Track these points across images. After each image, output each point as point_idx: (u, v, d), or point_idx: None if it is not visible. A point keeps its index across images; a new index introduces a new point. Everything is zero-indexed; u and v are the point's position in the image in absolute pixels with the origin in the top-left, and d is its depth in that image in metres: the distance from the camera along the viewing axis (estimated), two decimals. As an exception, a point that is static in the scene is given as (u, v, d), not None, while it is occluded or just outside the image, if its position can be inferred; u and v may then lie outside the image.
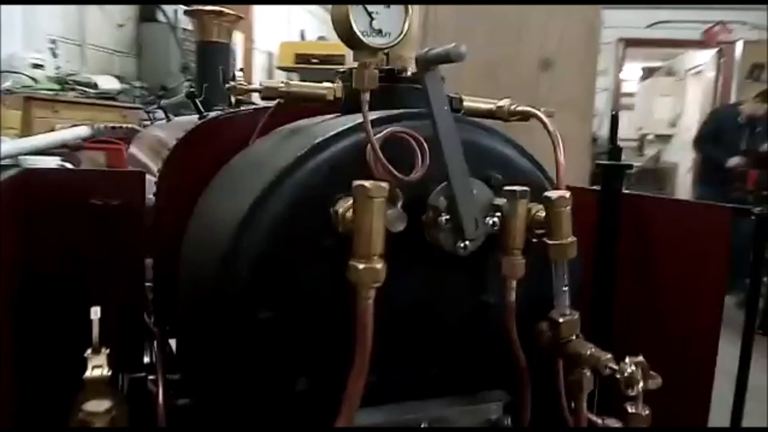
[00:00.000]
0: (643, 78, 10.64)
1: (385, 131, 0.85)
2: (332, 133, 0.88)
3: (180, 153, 1.22)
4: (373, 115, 0.88)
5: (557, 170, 0.99)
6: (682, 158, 8.07)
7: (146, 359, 1.31)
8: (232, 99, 1.04)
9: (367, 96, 0.85)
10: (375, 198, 0.78)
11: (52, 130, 3.47)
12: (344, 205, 0.83)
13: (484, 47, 2.16)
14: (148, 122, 3.19)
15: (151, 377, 1.28)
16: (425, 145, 0.87)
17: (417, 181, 0.86)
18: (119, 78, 6.76)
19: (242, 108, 1.27)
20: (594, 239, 1.31)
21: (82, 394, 0.95)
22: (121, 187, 1.15)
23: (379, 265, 0.79)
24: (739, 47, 7.77)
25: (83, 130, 2.93)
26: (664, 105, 9.54)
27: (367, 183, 0.78)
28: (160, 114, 2.59)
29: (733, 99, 7.59)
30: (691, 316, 1.16)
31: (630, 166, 1.23)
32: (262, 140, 1.12)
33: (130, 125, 3.32)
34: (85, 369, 0.97)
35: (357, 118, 0.90)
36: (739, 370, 1.13)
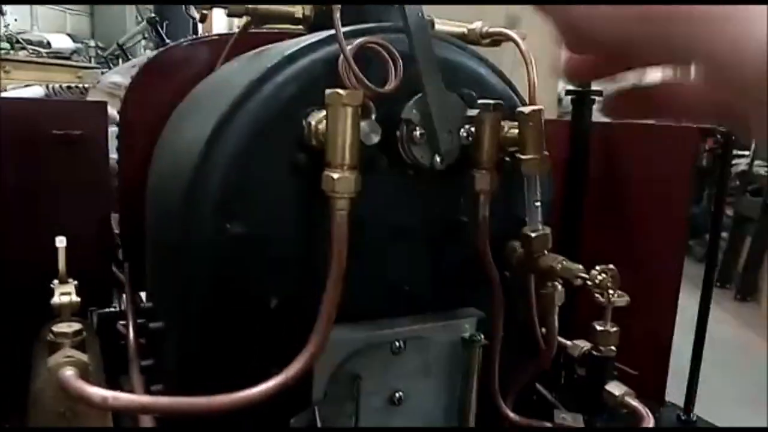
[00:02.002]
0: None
1: (357, 42, 0.83)
2: (303, 44, 0.85)
3: (141, 85, 1.18)
4: (345, 29, 0.86)
5: (529, 88, 0.99)
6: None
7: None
8: (195, 14, 0.99)
9: (338, 6, 0.83)
10: (349, 105, 0.76)
11: (4, 91, 3.31)
12: (317, 117, 0.81)
13: (449, 6, 2.13)
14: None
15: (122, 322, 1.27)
16: (398, 57, 0.85)
17: (390, 95, 0.84)
18: (72, 37, 6.47)
19: (206, 35, 1.23)
20: (565, 173, 1.33)
21: (51, 322, 0.93)
22: (83, 117, 1.11)
23: (354, 176, 0.78)
24: None
25: (37, 91, 2.80)
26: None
27: (340, 90, 0.76)
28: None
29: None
30: (656, 236, 1.19)
31: (600, 92, 1.24)
32: (227, 64, 1.08)
33: (85, 85, 3.18)
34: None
35: (328, 32, 0.87)
36: (701, 300, 1.16)
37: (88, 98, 2.34)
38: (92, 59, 6.17)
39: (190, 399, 0.73)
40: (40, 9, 6.71)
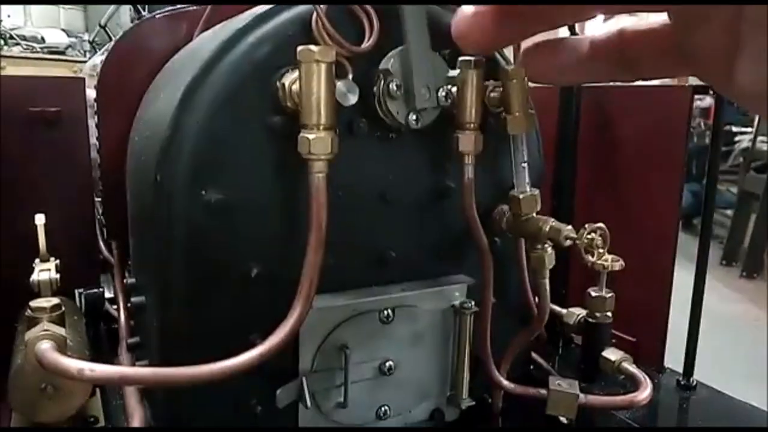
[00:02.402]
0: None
1: (330, -1, 0.80)
2: (274, 5, 0.82)
3: (116, 59, 1.15)
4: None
5: (515, 48, 0.96)
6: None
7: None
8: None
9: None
10: (322, 61, 0.73)
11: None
12: (290, 78, 0.79)
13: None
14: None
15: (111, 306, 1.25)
16: (374, 15, 0.83)
17: (367, 55, 0.82)
18: (66, 32, 6.43)
19: (182, 6, 1.20)
20: (556, 140, 1.30)
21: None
22: (60, 93, 1.09)
23: (330, 136, 0.76)
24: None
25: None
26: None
27: (312, 46, 0.74)
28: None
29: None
30: (651, 201, 1.17)
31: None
32: (204, 33, 1.06)
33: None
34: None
35: (302, -7, 0.84)
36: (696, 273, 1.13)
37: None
38: (87, 53, 6.13)
39: (170, 369, 0.72)
40: (34, 5, 6.67)
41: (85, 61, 5.65)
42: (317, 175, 0.76)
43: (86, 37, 6.44)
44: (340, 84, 0.78)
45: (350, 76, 0.81)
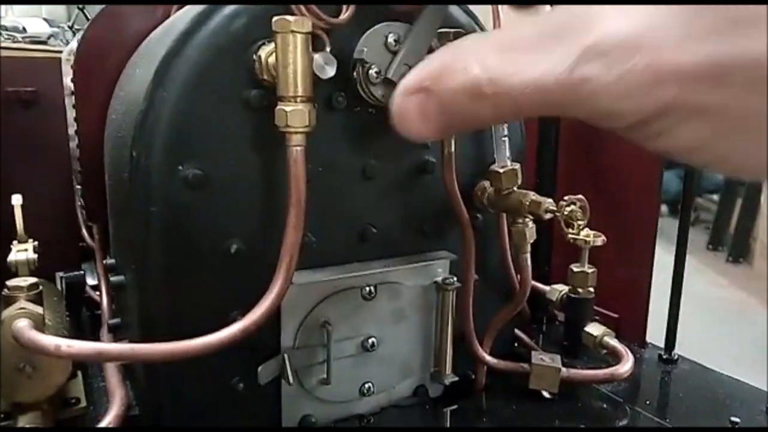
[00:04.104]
0: None
1: (306, -29, 0.79)
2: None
3: (93, 36, 1.13)
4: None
5: (493, 20, 0.95)
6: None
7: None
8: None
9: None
10: (298, 32, 0.73)
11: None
12: (267, 50, 0.78)
13: None
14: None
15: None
16: (351, -13, 0.82)
17: (343, 28, 0.81)
18: (48, 21, 6.34)
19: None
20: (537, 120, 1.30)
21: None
22: (36, 74, 1.07)
23: (308, 108, 0.75)
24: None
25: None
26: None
27: (288, 17, 0.73)
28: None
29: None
30: (631, 178, 1.17)
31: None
32: (182, 9, 1.04)
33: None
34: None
35: (278, -35, 0.83)
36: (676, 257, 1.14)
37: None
38: (69, 42, 6.06)
39: (150, 345, 0.71)
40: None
41: (67, 52, 5.60)
42: (295, 148, 0.76)
43: (68, 26, 6.35)
44: (317, 56, 0.77)
45: (328, 49, 0.81)
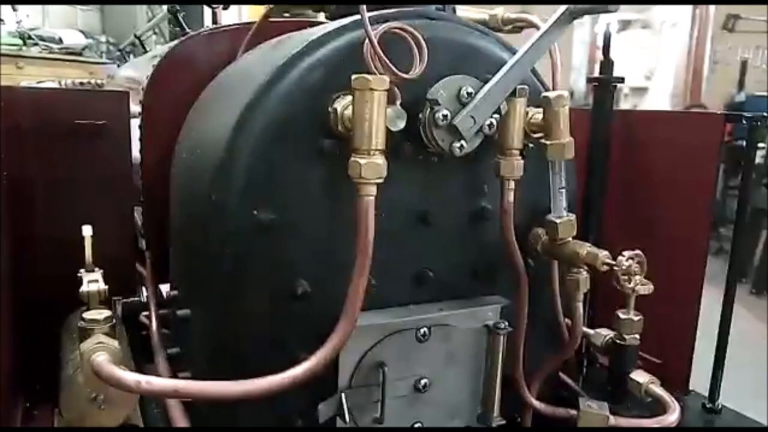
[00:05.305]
0: (619, 30, 10.60)
1: (381, 27, 0.83)
2: (327, 30, 0.85)
3: (162, 75, 1.18)
4: (369, 14, 0.85)
5: (553, 72, 0.98)
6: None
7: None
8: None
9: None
10: (376, 90, 0.76)
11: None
12: (342, 103, 0.81)
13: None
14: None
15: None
16: (422, 42, 0.85)
17: (415, 81, 0.84)
18: (83, 33, 6.49)
19: (226, 24, 1.23)
20: (586, 161, 1.32)
21: (79, 311, 0.94)
22: (106, 107, 1.12)
23: (381, 161, 0.78)
24: (714, -2, 7.79)
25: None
26: (640, 58, 9.57)
27: (367, 75, 0.76)
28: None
29: (707, 51, 7.65)
30: (680, 226, 1.18)
31: (622, 79, 1.23)
32: (249, 52, 1.08)
33: (98, 81, 3.19)
34: (73, 292, 0.96)
35: (352, 19, 0.87)
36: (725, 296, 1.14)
37: (104, 92, 2.35)
38: (103, 55, 6.19)
39: (221, 383, 0.74)
40: (51, 5, 6.74)
41: (102, 63, 5.71)
42: (366, 198, 0.79)
43: (103, 38, 6.50)
44: (389, 110, 0.81)
45: (398, 102, 0.84)
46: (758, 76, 6.76)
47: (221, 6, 0.94)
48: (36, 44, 5.89)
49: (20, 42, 5.67)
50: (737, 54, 7.28)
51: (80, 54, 6.07)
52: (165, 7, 1.56)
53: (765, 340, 4.04)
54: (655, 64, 9.15)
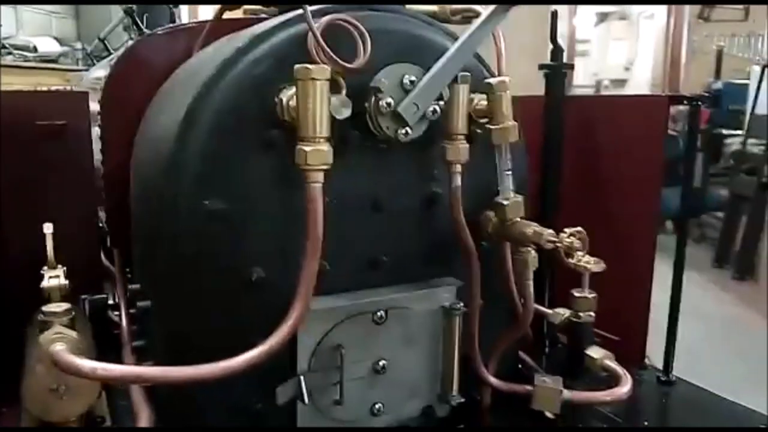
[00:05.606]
0: (597, 23, 10.71)
1: (324, 19, 0.86)
2: (272, 25, 0.88)
3: (119, 74, 1.20)
4: (313, 7, 0.88)
5: (498, 59, 1.01)
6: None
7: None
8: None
9: (304, -18, 0.84)
10: (318, 79, 0.79)
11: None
12: (288, 94, 0.84)
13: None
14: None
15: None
16: (366, 34, 0.88)
17: (359, 71, 0.87)
18: (58, 40, 6.45)
19: (182, 23, 1.25)
20: (540, 147, 1.36)
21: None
22: (65, 107, 1.14)
23: (326, 147, 0.81)
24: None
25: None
26: (618, 49, 9.68)
27: (309, 65, 0.79)
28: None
29: (684, 40, 7.76)
30: (631, 203, 1.23)
31: (571, 66, 1.26)
32: (203, 50, 1.11)
33: (74, 88, 3.18)
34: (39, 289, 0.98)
35: (296, 12, 0.90)
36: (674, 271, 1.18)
37: (75, 97, 2.35)
38: (79, 62, 6.15)
39: (178, 368, 0.76)
40: (25, 13, 6.67)
41: (77, 70, 5.68)
42: (313, 185, 0.82)
43: (78, 45, 6.46)
44: (334, 99, 0.83)
45: (343, 92, 0.87)
46: (735, 64, 6.86)
47: (176, 5, 0.96)
48: (10, 53, 5.85)
49: (-7, 51, 5.63)
50: (713, 42, 7.38)
51: (56, 61, 6.04)
52: (122, 9, 1.58)
53: (751, 324, 4.09)
54: (633, 56, 9.28)
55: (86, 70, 5.47)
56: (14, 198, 1.12)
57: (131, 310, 1.19)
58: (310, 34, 0.84)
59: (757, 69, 5.24)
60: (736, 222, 5.18)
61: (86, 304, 1.20)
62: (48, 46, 6.12)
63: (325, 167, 0.81)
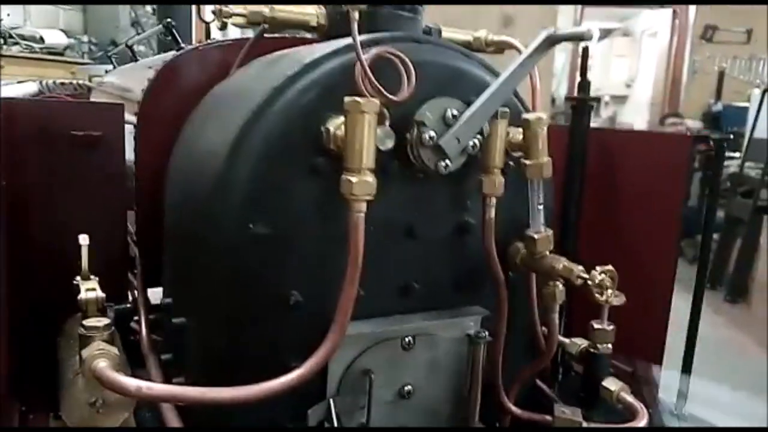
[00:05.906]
0: (600, 39, 10.79)
1: (372, 52, 0.87)
2: (321, 53, 0.89)
3: (158, 86, 1.21)
4: (361, 38, 0.90)
5: (533, 95, 1.04)
6: (638, 119, 8.32)
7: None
8: (216, 24, 1.02)
9: (356, 14, 0.86)
10: (367, 112, 0.80)
11: (-4, 87, 3.28)
12: (335, 123, 0.86)
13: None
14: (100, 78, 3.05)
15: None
16: (411, 66, 0.90)
17: (403, 102, 0.89)
18: (65, 32, 6.44)
19: (220, 40, 1.27)
20: (563, 175, 1.38)
21: (76, 318, 0.97)
22: (101, 118, 1.15)
23: (371, 179, 0.83)
24: (693, 9, 7.95)
25: (30, 87, 2.79)
26: (620, 66, 9.76)
27: (359, 98, 0.81)
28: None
29: (686, 60, 7.83)
30: (650, 239, 1.25)
31: (597, 99, 1.29)
32: (243, 68, 1.12)
33: (80, 81, 3.17)
34: (68, 298, 0.99)
35: (344, 42, 0.92)
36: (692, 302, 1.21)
37: (92, 99, 2.36)
38: (85, 55, 6.15)
39: (218, 389, 0.78)
40: (33, 5, 6.67)
41: (84, 63, 5.67)
42: (357, 214, 0.83)
43: (85, 38, 6.46)
44: (379, 130, 0.85)
45: (387, 123, 0.88)
46: (736, 86, 6.93)
47: (219, 26, 0.97)
48: (17, 43, 5.84)
49: (1, 41, 5.62)
50: (715, 63, 7.45)
51: (62, 54, 6.03)
52: (162, 23, 1.59)
53: (743, 347, 4.12)
54: (635, 73, 9.36)
55: (92, 63, 5.47)
56: (48, 205, 1.13)
57: (151, 317, 1.20)
58: (357, 64, 0.86)
59: (757, 92, 5.29)
60: (730, 244, 5.21)
61: (112, 313, 1.21)
62: (55, 38, 6.10)
63: (369, 197, 0.83)
